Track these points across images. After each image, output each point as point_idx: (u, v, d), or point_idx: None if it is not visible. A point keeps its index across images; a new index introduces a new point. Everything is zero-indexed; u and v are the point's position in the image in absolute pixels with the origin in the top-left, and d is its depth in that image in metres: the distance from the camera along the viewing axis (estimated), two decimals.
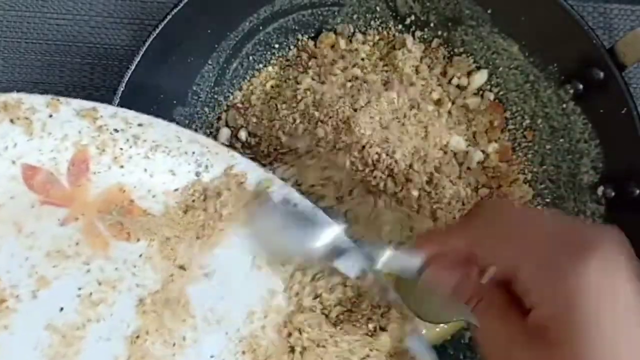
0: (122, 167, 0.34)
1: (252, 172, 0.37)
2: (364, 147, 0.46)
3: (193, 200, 0.35)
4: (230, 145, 0.52)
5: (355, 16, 0.52)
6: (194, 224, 0.35)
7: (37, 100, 0.31)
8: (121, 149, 0.34)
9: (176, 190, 0.35)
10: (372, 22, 0.52)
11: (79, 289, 0.32)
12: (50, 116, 0.32)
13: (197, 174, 0.36)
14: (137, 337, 0.32)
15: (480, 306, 0.30)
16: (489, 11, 0.48)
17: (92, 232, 0.32)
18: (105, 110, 0.33)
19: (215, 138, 0.52)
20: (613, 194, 0.46)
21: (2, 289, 0.30)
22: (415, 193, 0.47)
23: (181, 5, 0.45)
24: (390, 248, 0.34)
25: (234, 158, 0.36)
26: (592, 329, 0.26)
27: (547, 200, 0.50)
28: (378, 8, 0.51)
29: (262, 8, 0.50)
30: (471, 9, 0.49)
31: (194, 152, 0.35)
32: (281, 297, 0.36)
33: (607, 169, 0.46)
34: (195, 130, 0.51)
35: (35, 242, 0.31)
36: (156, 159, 0.35)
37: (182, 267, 0.34)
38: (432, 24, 0.51)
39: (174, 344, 0.33)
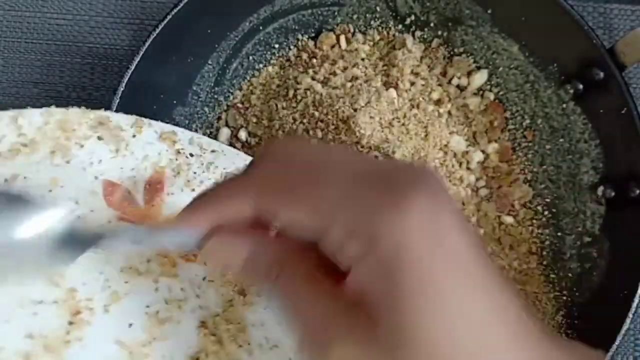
0: (193, 190, 0.35)
1: None
2: (362, 148, 0.46)
3: None
4: (230, 145, 0.52)
5: (355, 16, 0.52)
6: None
7: (123, 120, 0.33)
8: (194, 172, 0.35)
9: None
10: (372, 22, 0.52)
11: (147, 306, 0.32)
12: (134, 136, 0.33)
13: None
14: (197, 358, 0.32)
15: (283, 278, 0.24)
16: (489, 11, 0.48)
17: (162, 252, 0.33)
18: (183, 134, 0.35)
19: (215, 138, 0.52)
20: (613, 194, 0.46)
21: (78, 300, 0.30)
22: None
23: (181, 5, 0.45)
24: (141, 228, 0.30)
25: None
26: (417, 298, 0.20)
27: (547, 200, 0.50)
28: (378, 8, 0.51)
29: (262, 8, 0.50)
30: (471, 9, 0.49)
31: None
32: None
33: (607, 169, 0.46)
34: (195, 130, 0.51)
35: (110, 257, 0.32)
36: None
37: (241, 293, 0.35)
38: (432, 24, 0.51)
39: None
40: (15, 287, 0.29)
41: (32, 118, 0.32)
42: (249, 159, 0.36)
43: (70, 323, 0.30)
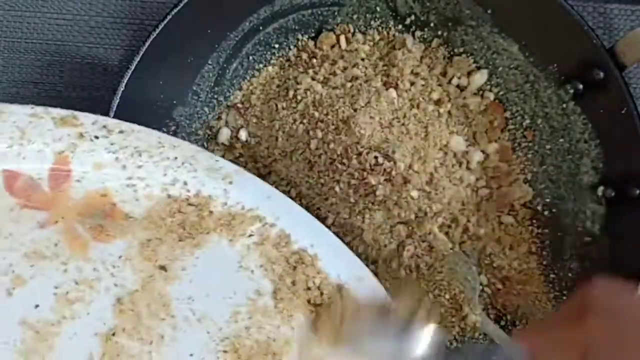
0: (104, 173, 0.35)
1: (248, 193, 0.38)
2: (360, 153, 0.46)
3: (178, 206, 0.36)
4: (230, 145, 0.52)
5: (355, 16, 0.52)
6: (177, 226, 0.36)
7: (18, 110, 0.32)
8: (102, 155, 0.35)
9: (160, 194, 0.36)
10: (372, 22, 0.52)
11: (56, 287, 0.32)
12: (30, 123, 0.33)
13: (184, 182, 0.37)
14: (113, 334, 0.33)
15: None
16: (489, 11, 0.48)
17: (71, 234, 0.33)
18: (86, 118, 0.34)
19: (215, 138, 0.52)
20: (613, 194, 0.46)
21: None
22: (415, 194, 0.47)
23: (181, 5, 0.45)
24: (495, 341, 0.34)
25: (218, 162, 0.37)
26: None
27: (547, 200, 0.50)
28: (378, 8, 0.51)
29: (262, 8, 0.50)
30: (471, 9, 0.49)
31: (176, 158, 0.36)
32: (267, 298, 0.36)
33: (607, 169, 0.46)
34: (196, 130, 0.51)
35: (13, 244, 0.32)
36: (139, 164, 0.35)
37: (162, 268, 0.35)
38: (432, 24, 0.51)
39: (151, 342, 0.34)
40: None
41: None
42: (163, 136, 0.36)
43: None
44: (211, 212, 0.37)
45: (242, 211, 0.38)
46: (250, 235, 0.38)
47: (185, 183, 0.37)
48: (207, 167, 0.37)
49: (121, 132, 0.35)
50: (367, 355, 0.36)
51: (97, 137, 0.34)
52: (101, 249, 0.34)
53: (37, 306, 0.32)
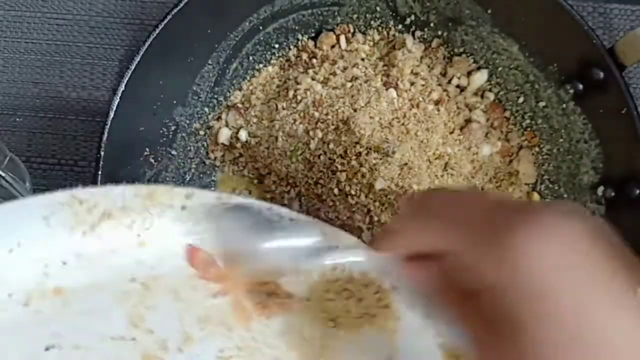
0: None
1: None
2: (360, 153, 0.46)
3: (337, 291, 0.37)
4: (230, 145, 0.52)
5: (355, 16, 0.52)
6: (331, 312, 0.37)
7: (208, 195, 0.35)
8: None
9: (319, 278, 0.37)
10: (372, 22, 0.52)
11: (220, 351, 0.35)
12: (215, 206, 0.35)
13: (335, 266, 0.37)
14: None
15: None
16: (489, 11, 0.48)
17: (238, 307, 0.36)
18: (260, 204, 0.36)
19: (215, 138, 0.52)
20: (613, 194, 0.46)
21: (154, 340, 0.34)
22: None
23: (181, 5, 0.45)
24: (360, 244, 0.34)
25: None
26: (549, 306, 0.23)
27: (547, 200, 0.50)
28: (378, 8, 0.51)
29: (262, 8, 0.50)
30: (471, 9, 0.49)
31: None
32: None
33: (607, 169, 0.46)
34: (196, 130, 0.51)
35: (188, 308, 0.35)
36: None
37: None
38: (432, 24, 0.51)
39: None
40: (98, 323, 0.33)
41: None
42: (326, 226, 0.37)
43: (146, 358, 0.33)
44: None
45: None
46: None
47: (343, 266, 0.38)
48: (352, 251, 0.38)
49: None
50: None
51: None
52: (263, 323, 0.36)
53: None
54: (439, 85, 0.51)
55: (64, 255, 0.33)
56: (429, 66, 0.51)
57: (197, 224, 0.35)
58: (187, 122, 0.51)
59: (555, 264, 0.23)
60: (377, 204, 0.47)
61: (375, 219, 0.47)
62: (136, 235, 0.34)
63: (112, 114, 0.44)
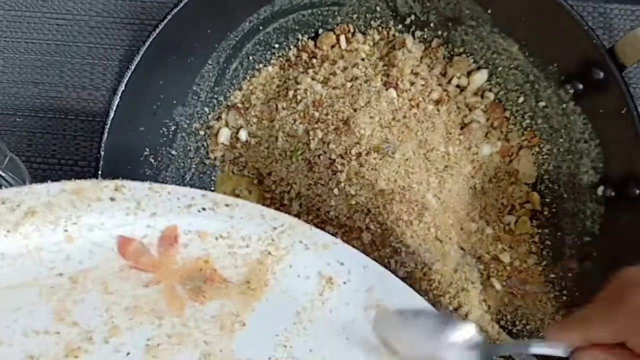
0: (208, 241, 0.37)
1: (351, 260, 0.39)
2: (360, 153, 0.46)
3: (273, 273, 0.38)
4: (230, 145, 0.52)
5: (355, 16, 0.52)
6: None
7: (137, 185, 0.36)
8: (208, 226, 0.37)
9: (257, 262, 0.38)
10: (372, 22, 0.52)
11: (148, 339, 0.35)
12: (146, 196, 0.36)
13: (270, 251, 0.39)
14: None
15: None
16: (489, 11, 0.48)
17: (171, 294, 0.36)
18: (195, 192, 0.37)
19: (215, 138, 0.52)
20: (613, 194, 0.46)
21: (78, 332, 0.34)
22: (415, 194, 0.47)
23: (181, 5, 0.45)
24: (532, 342, 0.33)
25: (312, 231, 0.39)
26: None
27: (547, 200, 0.50)
28: (378, 8, 0.51)
29: (262, 8, 0.50)
30: (471, 9, 0.49)
31: (275, 228, 0.38)
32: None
33: (607, 168, 0.46)
34: (196, 130, 0.51)
35: (117, 299, 0.35)
36: (242, 235, 0.38)
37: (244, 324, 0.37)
38: (432, 24, 0.51)
39: None
40: (23, 319, 0.33)
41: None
42: (265, 209, 0.38)
43: (69, 351, 0.33)
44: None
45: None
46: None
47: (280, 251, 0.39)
48: (302, 233, 0.39)
49: (227, 205, 0.38)
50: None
51: (204, 209, 0.37)
52: (196, 308, 0.36)
53: (128, 353, 0.34)
54: (439, 85, 0.51)
55: None
56: (429, 66, 0.51)
57: (128, 215, 0.35)
58: (187, 122, 0.51)
59: None
60: (377, 204, 0.47)
61: (376, 218, 0.47)
62: (63, 231, 0.34)
63: (112, 114, 0.44)
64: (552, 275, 0.48)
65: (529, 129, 0.50)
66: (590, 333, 0.30)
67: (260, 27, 0.51)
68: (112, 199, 0.35)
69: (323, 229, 0.42)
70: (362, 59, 0.51)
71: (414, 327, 0.36)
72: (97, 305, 0.35)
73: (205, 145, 0.52)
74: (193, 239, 0.37)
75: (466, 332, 0.34)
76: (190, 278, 0.37)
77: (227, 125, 0.52)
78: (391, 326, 0.37)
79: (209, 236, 0.37)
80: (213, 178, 0.53)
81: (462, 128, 0.50)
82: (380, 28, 0.52)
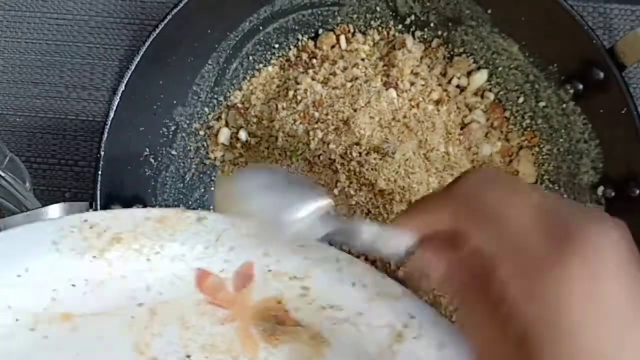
0: (282, 281, 0.36)
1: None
2: (360, 153, 0.46)
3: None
4: (230, 145, 0.52)
5: (355, 16, 0.52)
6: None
7: (218, 218, 0.35)
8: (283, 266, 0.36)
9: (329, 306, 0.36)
10: (372, 22, 0.52)
11: None
12: (225, 230, 0.35)
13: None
14: None
15: (465, 301, 0.27)
16: (489, 11, 0.48)
17: (245, 334, 0.35)
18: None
19: (215, 138, 0.52)
20: (613, 194, 0.46)
21: None
22: (415, 194, 0.47)
23: (181, 5, 0.45)
24: (374, 224, 0.31)
25: (385, 280, 0.36)
26: (573, 346, 0.23)
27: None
28: (378, 8, 0.51)
29: (262, 8, 0.50)
30: (471, 9, 0.49)
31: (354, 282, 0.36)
32: None
33: (607, 168, 0.46)
34: (196, 130, 0.51)
35: (193, 335, 0.35)
36: (314, 276, 0.36)
37: None
38: (432, 24, 0.51)
39: None
40: (104, 349, 0.32)
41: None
42: (341, 253, 0.35)
43: None
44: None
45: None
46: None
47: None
48: (374, 283, 0.36)
49: (302, 246, 0.36)
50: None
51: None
52: (269, 350, 0.35)
53: None
54: (439, 85, 0.51)
55: (73, 280, 0.33)
56: (429, 66, 0.51)
57: (208, 248, 0.34)
58: (187, 122, 0.51)
59: (586, 292, 0.23)
60: (377, 204, 0.47)
61: (376, 219, 0.47)
62: (146, 260, 0.34)
63: (112, 114, 0.44)
64: None
65: (529, 129, 0.50)
66: (426, 217, 0.29)
67: (260, 27, 0.51)
68: (194, 230, 0.34)
69: None
70: (362, 59, 0.51)
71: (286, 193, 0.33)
72: (174, 340, 0.34)
73: (205, 145, 0.52)
74: (268, 278, 0.35)
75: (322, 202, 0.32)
76: (263, 318, 0.36)
77: (227, 125, 0.52)
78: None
79: (284, 276, 0.36)
80: (213, 178, 0.53)
81: (462, 128, 0.50)
82: (380, 28, 0.52)
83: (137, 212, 0.34)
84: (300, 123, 0.49)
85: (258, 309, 0.35)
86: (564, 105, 0.48)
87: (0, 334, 0.32)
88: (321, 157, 0.48)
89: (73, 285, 0.33)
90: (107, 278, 0.33)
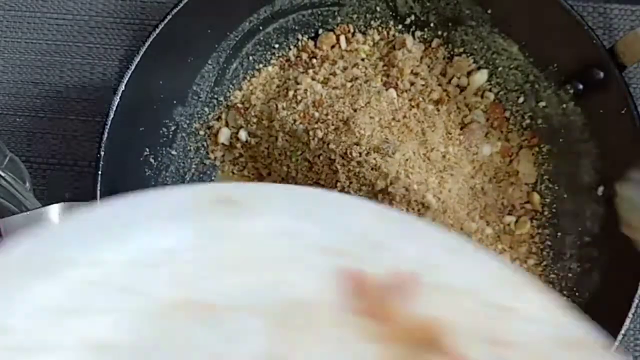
0: (448, 299, 0.29)
1: None
2: (360, 153, 0.46)
3: None
4: (230, 145, 0.52)
5: (355, 16, 0.52)
6: None
7: (395, 216, 0.30)
8: None
9: None
10: (372, 22, 0.52)
11: None
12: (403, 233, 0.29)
13: None
14: None
15: None
16: (489, 11, 0.48)
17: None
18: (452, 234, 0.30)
19: (215, 138, 0.52)
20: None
21: None
22: (415, 194, 0.47)
23: (181, 5, 0.45)
24: None
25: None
26: None
27: (547, 200, 0.50)
28: (378, 8, 0.51)
29: (262, 8, 0.50)
30: (471, 9, 0.49)
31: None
32: None
33: (607, 169, 0.46)
34: (196, 130, 0.51)
35: (334, 352, 0.28)
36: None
37: None
38: (432, 24, 0.51)
39: None
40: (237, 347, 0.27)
41: None
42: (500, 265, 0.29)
43: None
44: None
45: None
46: None
47: None
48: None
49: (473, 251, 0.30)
50: None
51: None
52: None
53: None
54: (439, 85, 0.51)
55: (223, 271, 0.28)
56: (429, 66, 0.51)
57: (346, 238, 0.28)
58: (187, 122, 0.51)
59: None
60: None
61: None
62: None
63: (112, 114, 0.44)
64: (552, 276, 0.48)
65: (529, 129, 0.50)
66: None
67: (260, 27, 0.51)
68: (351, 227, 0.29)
69: None
70: (362, 59, 0.51)
71: None
72: (313, 354, 0.27)
73: (205, 145, 0.52)
74: (431, 292, 0.28)
75: None
76: (417, 341, 0.28)
77: (227, 125, 0.52)
78: None
79: (450, 291, 0.28)
80: (213, 178, 0.53)
81: (462, 128, 0.50)
82: (380, 28, 0.52)
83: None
84: (300, 123, 0.49)
85: (411, 330, 0.28)
86: (564, 105, 0.48)
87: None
88: (321, 157, 0.48)
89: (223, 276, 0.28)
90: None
